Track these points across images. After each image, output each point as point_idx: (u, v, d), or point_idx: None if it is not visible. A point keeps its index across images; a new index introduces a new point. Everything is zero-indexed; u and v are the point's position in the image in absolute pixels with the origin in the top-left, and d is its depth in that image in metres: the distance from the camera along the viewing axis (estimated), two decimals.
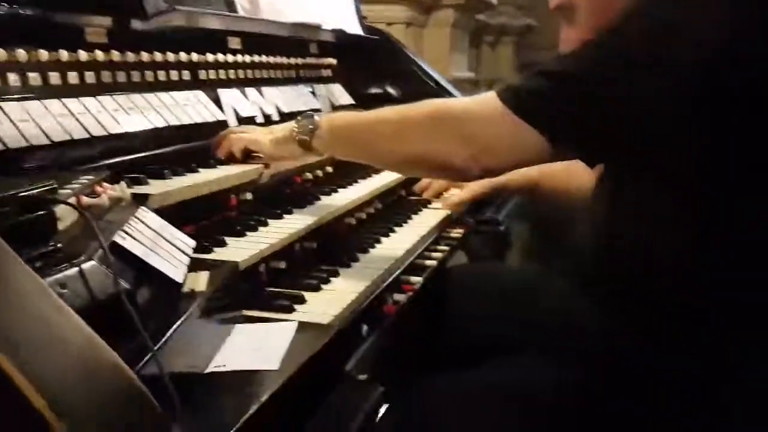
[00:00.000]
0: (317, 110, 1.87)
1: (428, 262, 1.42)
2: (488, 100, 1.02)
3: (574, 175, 1.40)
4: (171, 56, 1.38)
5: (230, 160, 1.33)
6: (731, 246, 0.93)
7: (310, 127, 1.22)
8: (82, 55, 1.17)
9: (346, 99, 2.08)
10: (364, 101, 2.17)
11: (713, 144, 0.90)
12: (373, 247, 1.32)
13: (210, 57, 1.50)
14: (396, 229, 1.47)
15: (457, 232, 1.68)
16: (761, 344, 0.93)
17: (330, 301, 1.03)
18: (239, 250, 1.05)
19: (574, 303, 1.16)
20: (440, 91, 2.25)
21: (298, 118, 1.26)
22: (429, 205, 1.68)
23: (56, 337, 0.53)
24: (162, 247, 0.88)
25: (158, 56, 1.35)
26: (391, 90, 2.31)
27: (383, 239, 1.38)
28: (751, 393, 0.93)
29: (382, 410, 0.96)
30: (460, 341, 1.41)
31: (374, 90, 2.28)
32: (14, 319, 0.52)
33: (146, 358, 0.64)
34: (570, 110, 0.96)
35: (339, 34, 1.90)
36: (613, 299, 1.06)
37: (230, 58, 1.57)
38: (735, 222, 0.93)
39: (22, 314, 0.54)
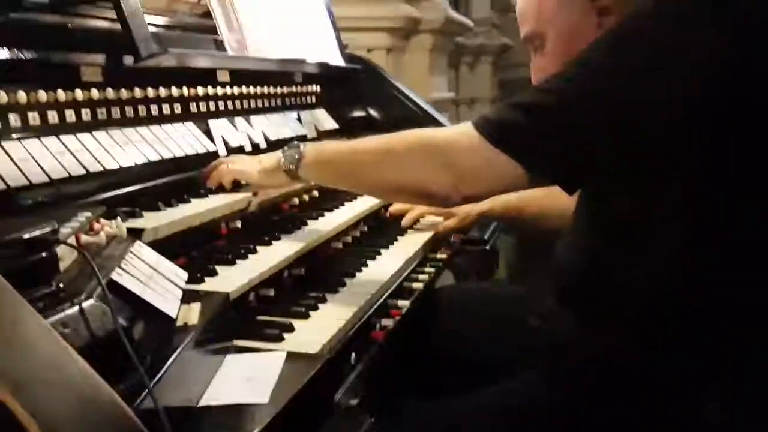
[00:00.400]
0: (303, 136, 1.93)
1: (415, 285, 1.46)
2: (466, 130, 1.07)
3: (555, 199, 1.43)
4: (163, 91, 1.44)
5: (220, 189, 1.38)
6: (724, 253, 0.98)
7: (296, 156, 1.28)
8: (79, 93, 1.22)
9: (330, 124, 2.15)
10: (347, 125, 2.24)
11: (685, 160, 0.96)
12: (360, 270, 1.37)
13: (200, 90, 1.56)
14: (382, 251, 1.51)
15: (443, 253, 1.72)
16: (755, 353, 0.98)
17: (318, 328, 1.07)
18: (229, 279, 1.10)
19: (559, 320, 1.20)
20: (420, 113, 2.33)
21: (285, 148, 1.31)
22: (414, 226, 1.71)
23: (58, 377, 0.58)
24: (157, 282, 0.92)
25: (151, 92, 1.40)
26: (373, 113, 2.38)
27: (370, 262, 1.43)
28: (743, 403, 0.98)
29: None
30: (448, 363, 1.46)
31: (357, 113, 2.35)
32: (20, 359, 0.57)
33: (142, 395, 0.68)
34: (542, 140, 1.01)
35: (322, 66, 1.97)
36: (599, 314, 1.10)
37: (220, 90, 1.63)
38: (726, 230, 0.98)
39: (27, 354, 0.58)
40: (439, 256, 1.70)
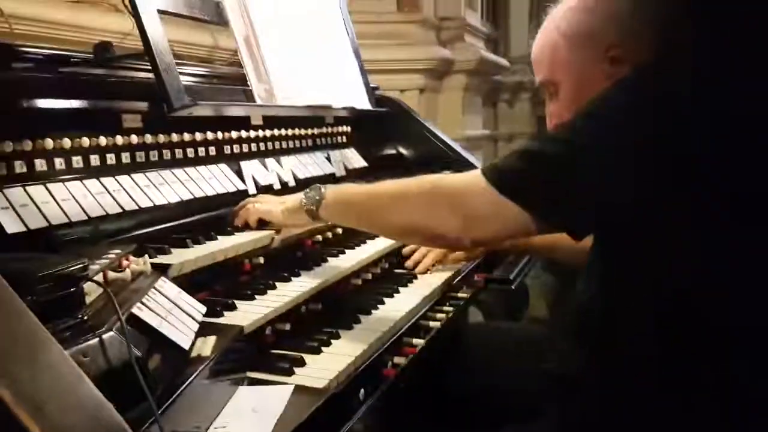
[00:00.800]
0: (332, 175, 2.01)
1: (432, 324, 1.48)
2: (474, 177, 1.12)
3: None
4: (198, 136, 1.55)
5: (247, 228, 1.47)
6: (738, 293, 1.00)
7: (317, 198, 1.35)
8: (119, 139, 1.33)
9: (359, 162, 2.23)
10: (377, 162, 2.32)
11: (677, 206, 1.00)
12: (376, 308, 1.41)
13: (234, 134, 1.67)
14: (401, 289, 1.55)
15: (464, 293, 1.75)
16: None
17: (328, 363, 1.12)
18: (247, 314, 1.16)
19: (574, 361, 1.21)
20: (449, 152, 2.39)
21: (307, 190, 1.38)
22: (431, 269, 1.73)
23: (73, 401, 0.65)
24: (175, 315, 1.00)
25: (187, 136, 1.51)
26: (404, 151, 2.45)
27: (387, 300, 1.47)
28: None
29: None
30: (463, 403, 1.48)
31: (388, 152, 2.43)
32: (39, 383, 0.65)
33: (148, 423, 0.75)
34: (547, 189, 1.04)
35: (349, 111, 2.06)
36: (612, 354, 1.12)
37: (252, 133, 1.73)
38: (739, 266, 1.00)
39: (48, 381, 0.66)
40: (460, 294, 1.72)
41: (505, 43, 5.44)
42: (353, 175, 2.15)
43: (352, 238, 1.72)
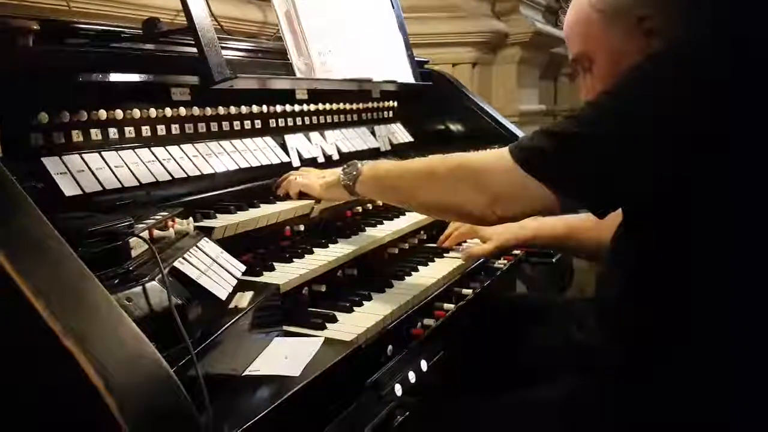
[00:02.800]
0: (376, 149, 2.06)
1: (465, 291, 1.53)
2: (501, 155, 1.12)
3: (605, 231, 1.38)
4: (244, 109, 1.62)
5: (288, 198, 1.54)
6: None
7: (354, 174, 1.39)
8: (168, 111, 1.42)
9: (405, 137, 2.26)
10: (424, 138, 2.34)
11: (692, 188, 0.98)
12: (410, 275, 1.46)
13: (279, 108, 1.73)
14: (435, 259, 1.60)
15: (501, 263, 1.77)
16: None
17: (358, 321, 1.19)
18: (285, 274, 1.24)
19: (598, 337, 1.23)
20: (496, 126, 2.39)
21: (345, 166, 1.43)
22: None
23: (115, 336, 0.73)
24: (214, 271, 1.08)
25: (233, 110, 1.59)
26: (451, 126, 2.46)
27: (421, 268, 1.52)
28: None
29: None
30: (491, 367, 1.51)
31: (436, 127, 2.45)
32: (87, 321, 0.73)
33: (184, 360, 0.82)
34: (570, 167, 1.04)
35: (392, 84, 2.09)
36: (632, 335, 1.12)
37: (297, 107, 1.79)
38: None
39: (93, 318, 0.74)
40: (496, 265, 1.75)
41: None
42: (399, 150, 2.19)
43: (391, 210, 1.77)
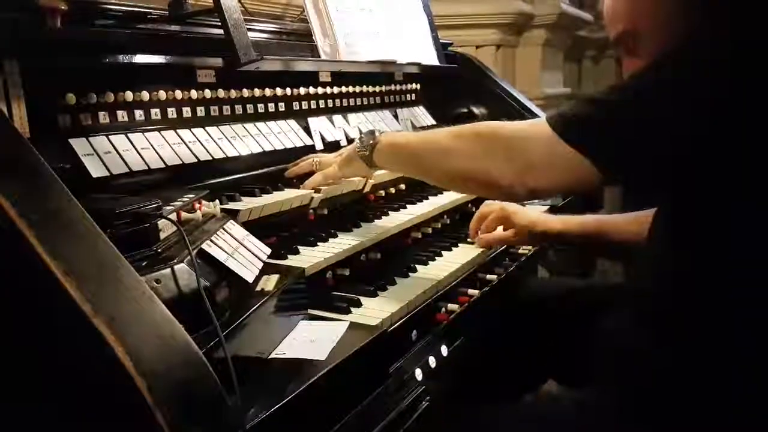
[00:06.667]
0: (399, 132, 2.04)
1: (489, 276, 1.51)
2: (538, 124, 1.08)
3: (641, 225, 1.32)
4: (268, 92, 1.62)
5: (301, 180, 1.52)
6: None
7: (371, 142, 1.36)
8: (194, 93, 1.42)
9: (428, 120, 2.24)
10: (448, 121, 2.31)
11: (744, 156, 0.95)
12: (434, 259, 1.45)
13: (302, 90, 1.72)
14: (459, 244, 1.58)
15: (525, 249, 1.75)
16: None
17: (383, 305, 1.18)
18: (309, 258, 1.23)
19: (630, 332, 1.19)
20: (522, 111, 2.35)
21: (361, 134, 1.40)
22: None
23: (144, 317, 0.73)
24: (241, 253, 1.08)
25: (257, 92, 1.59)
26: (475, 110, 2.43)
27: (445, 253, 1.51)
28: None
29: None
30: (512, 354, 1.50)
31: (459, 110, 2.42)
32: (117, 302, 0.73)
33: (213, 342, 0.82)
34: (610, 135, 1.01)
35: (416, 66, 2.06)
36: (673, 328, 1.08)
37: (320, 90, 1.78)
38: None
39: (123, 299, 0.74)
40: (521, 251, 1.73)
41: None
42: None
43: (415, 194, 1.75)
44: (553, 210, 1.96)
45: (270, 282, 1.08)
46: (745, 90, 0.93)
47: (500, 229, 1.62)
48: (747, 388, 0.99)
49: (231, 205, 1.30)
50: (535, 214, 1.63)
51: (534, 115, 2.39)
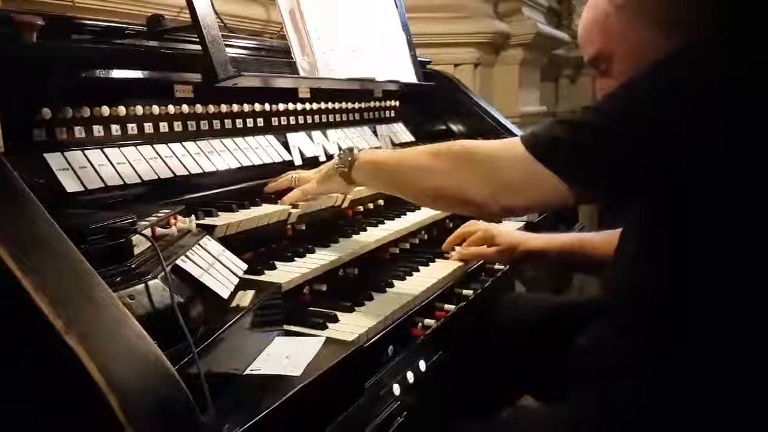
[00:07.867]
0: (377, 148, 2.05)
1: (466, 291, 1.52)
2: (512, 144, 1.10)
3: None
4: (247, 107, 1.62)
5: (279, 196, 1.52)
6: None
7: (350, 159, 1.37)
8: (171, 108, 1.42)
9: (407, 137, 2.26)
10: (426, 138, 2.33)
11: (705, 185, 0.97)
12: (411, 275, 1.46)
13: (281, 106, 1.73)
14: (437, 259, 1.59)
15: (501, 265, 1.77)
16: None
17: (359, 321, 1.18)
18: (286, 273, 1.24)
19: (604, 340, 1.20)
20: (498, 127, 2.39)
21: (340, 152, 1.41)
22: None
23: (117, 334, 0.73)
24: (216, 269, 1.08)
25: (236, 107, 1.59)
26: (453, 127, 2.46)
27: (422, 268, 1.52)
28: None
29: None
30: (489, 370, 1.51)
31: (437, 127, 2.44)
32: (90, 319, 0.73)
33: (187, 358, 0.82)
34: (584, 157, 1.03)
35: (394, 84, 2.08)
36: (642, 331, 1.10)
37: (299, 106, 1.79)
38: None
39: (96, 315, 0.74)
40: (497, 266, 1.74)
41: (569, 17, 5.28)
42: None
43: (393, 209, 1.76)
44: (529, 226, 1.98)
45: (245, 298, 1.08)
46: (717, 109, 0.96)
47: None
48: (725, 400, 1.00)
49: (208, 221, 1.30)
50: (517, 234, 1.65)
51: (510, 133, 2.42)
